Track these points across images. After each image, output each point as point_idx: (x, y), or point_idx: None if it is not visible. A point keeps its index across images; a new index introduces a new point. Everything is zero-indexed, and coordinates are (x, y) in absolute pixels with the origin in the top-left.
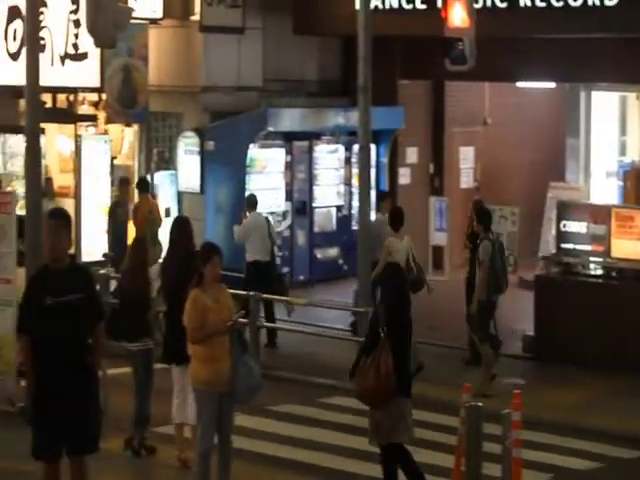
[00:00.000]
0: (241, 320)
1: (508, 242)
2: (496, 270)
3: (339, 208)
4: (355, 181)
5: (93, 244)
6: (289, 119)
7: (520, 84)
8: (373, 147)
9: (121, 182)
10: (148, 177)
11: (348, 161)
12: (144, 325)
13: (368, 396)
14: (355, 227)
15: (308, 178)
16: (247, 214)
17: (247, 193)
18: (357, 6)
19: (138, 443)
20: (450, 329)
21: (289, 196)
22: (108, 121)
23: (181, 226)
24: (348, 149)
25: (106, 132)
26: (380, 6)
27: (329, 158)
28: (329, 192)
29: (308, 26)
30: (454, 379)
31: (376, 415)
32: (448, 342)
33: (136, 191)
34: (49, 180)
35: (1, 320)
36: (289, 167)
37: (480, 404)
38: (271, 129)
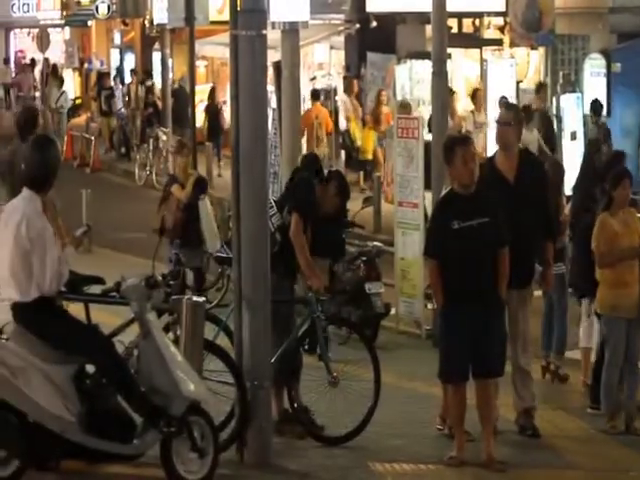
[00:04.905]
0: None
1: None
2: None
3: None
4: None
5: None
6: None
7: None
8: None
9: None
10: (553, 101)
11: None
12: (558, 250)
13: None
14: None
15: None
16: None
17: None
18: None
19: (553, 370)
20: None
21: None
22: (513, 45)
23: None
24: None
25: (512, 56)
26: None
27: None
28: None
29: None
30: None
31: None
32: None
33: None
34: None
35: (409, 244)
36: None
37: None
38: None
